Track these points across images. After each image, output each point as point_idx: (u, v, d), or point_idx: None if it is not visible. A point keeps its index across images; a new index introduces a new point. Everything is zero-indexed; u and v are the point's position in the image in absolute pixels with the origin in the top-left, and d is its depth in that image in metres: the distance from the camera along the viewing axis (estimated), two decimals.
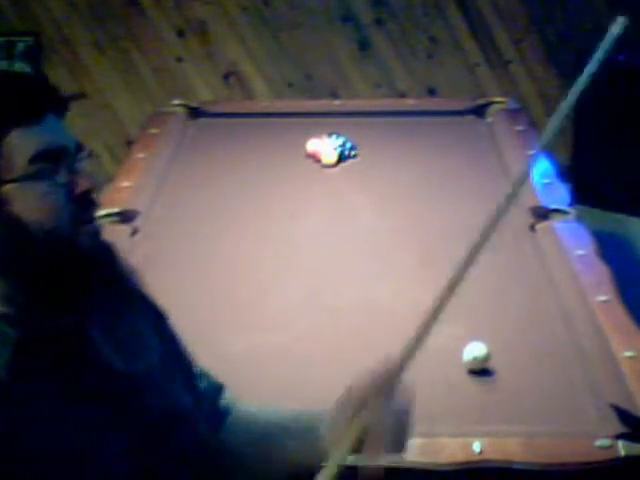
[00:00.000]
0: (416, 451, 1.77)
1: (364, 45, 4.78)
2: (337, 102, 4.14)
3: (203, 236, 2.68)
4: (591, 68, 1.27)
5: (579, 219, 2.72)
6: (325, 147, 3.21)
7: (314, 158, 3.22)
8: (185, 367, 1.37)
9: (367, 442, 1.21)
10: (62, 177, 1.16)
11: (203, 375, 1.42)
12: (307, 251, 2.64)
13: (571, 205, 2.79)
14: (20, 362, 1.11)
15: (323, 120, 3.49)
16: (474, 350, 2.03)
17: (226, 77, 4.83)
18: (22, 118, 1.15)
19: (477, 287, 2.46)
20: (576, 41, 4.67)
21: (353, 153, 3.24)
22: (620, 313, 2.20)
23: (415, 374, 1.47)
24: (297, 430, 1.35)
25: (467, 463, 1.74)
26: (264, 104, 4.36)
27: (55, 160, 1.16)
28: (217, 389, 1.43)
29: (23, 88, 1.19)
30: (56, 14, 4.74)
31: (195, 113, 3.62)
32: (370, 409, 1.23)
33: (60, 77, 4.78)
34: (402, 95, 4.73)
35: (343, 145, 3.23)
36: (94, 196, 1.19)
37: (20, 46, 4.62)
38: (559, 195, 2.87)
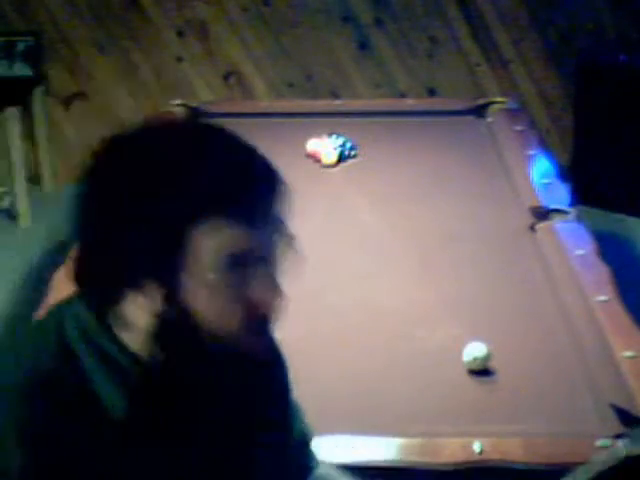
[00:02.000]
0: (416, 451, 1.77)
1: (364, 45, 4.78)
2: (337, 102, 4.14)
3: None
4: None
5: (579, 219, 2.72)
6: (325, 147, 3.22)
7: (314, 158, 3.22)
8: (276, 435, 1.30)
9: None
10: (244, 281, 1.07)
11: (292, 425, 1.36)
12: (307, 251, 2.64)
13: (571, 205, 2.79)
14: (135, 405, 1.08)
15: (323, 120, 3.49)
16: (474, 350, 2.03)
17: (226, 77, 4.83)
18: (240, 216, 1.05)
19: (477, 287, 2.46)
20: (576, 41, 4.68)
21: (353, 153, 3.25)
22: (620, 313, 2.20)
23: (415, 374, 1.47)
24: None
25: (467, 463, 1.74)
26: (264, 104, 4.37)
27: (246, 263, 1.07)
28: (303, 443, 1.38)
29: (262, 183, 1.12)
30: (56, 14, 4.74)
31: (195, 113, 3.62)
32: None
33: (60, 77, 4.79)
34: (402, 95, 4.73)
35: (343, 145, 3.23)
36: (272, 308, 1.10)
37: (20, 46, 4.62)
38: (559, 195, 2.87)
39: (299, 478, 1.35)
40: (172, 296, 1.05)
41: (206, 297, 1.05)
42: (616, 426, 1.81)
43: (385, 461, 1.75)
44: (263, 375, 1.25)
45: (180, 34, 4.78)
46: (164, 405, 1.10)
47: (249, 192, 1.08)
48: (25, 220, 4.54)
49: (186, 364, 1.10)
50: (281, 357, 1.31)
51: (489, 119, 3.55)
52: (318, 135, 3.26)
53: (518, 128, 3.42)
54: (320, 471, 1.38)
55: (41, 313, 1.22)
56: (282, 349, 1.29)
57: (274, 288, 1.10)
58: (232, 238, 1.05)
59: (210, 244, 1.04)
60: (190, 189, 1.03)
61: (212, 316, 1.06)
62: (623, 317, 2.18)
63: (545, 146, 3.67)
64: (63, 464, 1.05)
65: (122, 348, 1.09)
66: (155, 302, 1.06)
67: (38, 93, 4.70)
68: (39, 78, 4.70)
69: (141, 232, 1.04)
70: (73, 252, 1.10)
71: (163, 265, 1.04)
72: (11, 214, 4.60)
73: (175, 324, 1.06)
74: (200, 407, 1.15)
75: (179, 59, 4.80)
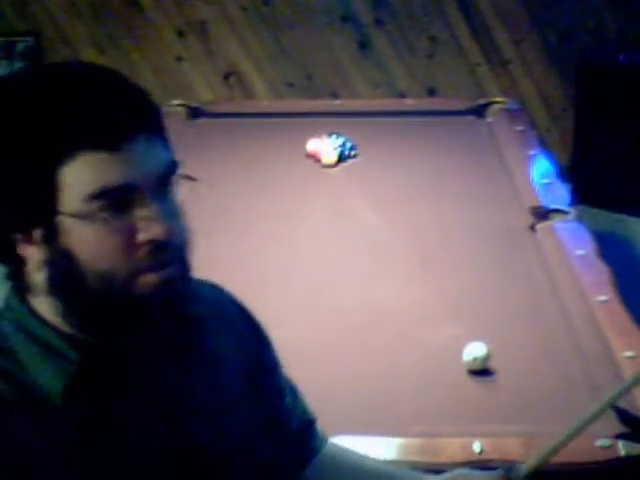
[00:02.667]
0: (416, 451, 1.77)
1: (364, 45, 4.78)
2: (337, 102, 4.14)
3: (203, 236, 2.67)
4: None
5: (579, 219, 2.72)
6: (325, 147, 3.22)
7: (314, 158, 3.22)
8: (268, 407, 1.26)
9: None
10: (124, 219, 1.01)
11: (294, 408, 1.33)
12: (307, 251, 2.64)
13: (571, 205, 2.79)
14: (77, 388, 1.05)
15: (323, 120, 3.49)
16: (474, 350, 2.03)
17: (226, 77, 4.83)
18: (97, 142, 0.99)
19: (477, 287, 2.46)
20: (576, 41, 4.68)
21: (353, 153, 3.25)
22: (620, 313, 2.20)
23: (415, 374, 1.47)
24: None
25: (467, 463, 1.74)
26: (264, 104, 4.37)
27: (122, 197, 1.00)
28: (307, 424, 1.35)
29: (108, 101, 1.00)
30: (56, 14, 4.74)
31: (195, 113, 3.62)
32: None
33: None
34: (402, 95, 4.73)
35: (343, 145, 3.23)
36: (167, 241, 1.03)
37: (20, 46, 4.63)
38: (559, 195, 2.87)
39: (304, 460, 1.32)
40: (52, 239, 1.02)
41: (86, 237, 1.01)
42: (616, 426, 1.81)
43: (385, 461, 1.75)
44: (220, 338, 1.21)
45: (180, 34, 4.78)
46: (102, 384, 1.07)
47: (98, 118, 0.99)
48: None
49: (107, 329, 1.06)
50: (227, 309, 1.25)
51: (489, 119, 3.55)
52: (318, 135, 3.26)
53: (518, 128, 3.42)
54: (328, 450, 1.36)
55: None
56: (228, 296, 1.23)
57: (162, 220, 1.02)
58: (98, 168, 0.99)
59: (74, 178, 0.99)
60: (42, 129, 0.99)
61: (98, 259, 1.02)
62: (623, 317, 2.18)
63: (545, 146, 3.67)
64: (4, 458, 1.01)
65: (55, 331, 1.06)
66: (42, 249, 1.03)
67: None
68: None
69: (7, 181, 1.01)
70: None
71: (37, 209, 1.01)
72: None
73: (62, 273, 1.03)
74: (143, 380, 1.10)
75: (179, 59, 4.80)
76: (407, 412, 1.92)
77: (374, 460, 1.40)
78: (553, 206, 2.76)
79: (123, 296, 1.03)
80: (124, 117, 1.00)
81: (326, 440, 1.37)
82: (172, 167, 1.05)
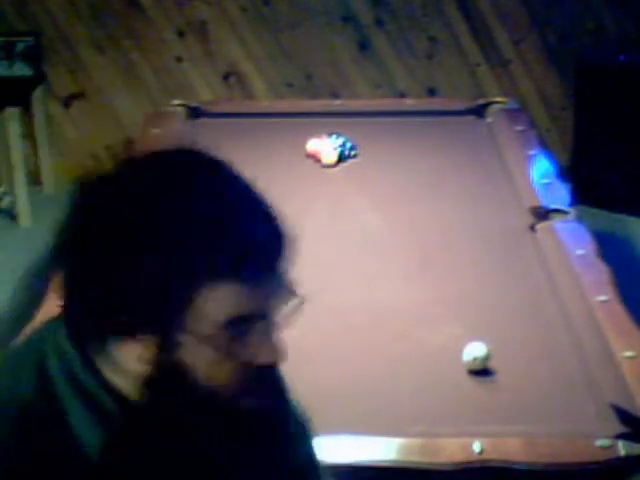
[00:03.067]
0: (416, 451, 1.77)
1: (364, 45, 4.78)
2: (337, 102, 4.14)
3: None
4: None
5: (579, 219, 2.72)
6: (325, 147, 3.22)
7: (314, 158, 3.22)
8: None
9: None
10: (245, 341, 1.03)
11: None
12: (307, 251, 2.64)
13: (571, 205, 2.79)
14: (112, 441, 1.05)
15: (323, 120, 3.49)
16: (474, 350, 2.03)
17: (226, 77, 4.83)
18: (241, 272, 1.00)
19: (477, 287, 2.46)
20: (576, 41, 4.68)
21: (353, 153, 3.25)
22: (620, 313, 2.20)
23: (415, 374, 1.47)
24: None
25: (467, 463, 1.74)
26: (264, 104, 4.36)
27: (246, 324, 1.02)
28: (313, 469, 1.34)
29: (269, 245, 1.06)
30: (56, 14, 4.74)
31: (195, 113, 3.63)
32: None
33: (60, 77, 4.79)
34: (402, 95, 4.73)
35: (343, 145, 3.23)
36: (273, 369, 1.07)
37: (20, 46, 4.62)
38: (559, 195, 2.87)
39: None
40: (167, 349, 1.01)
41: (204, 355, 1.02)
42: (616, 426, 1.81)
43: (385, 461, 1.75)
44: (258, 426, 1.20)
45: (180, 34, 4.78)
46: (144, 448, 1.07)
47: (262, 252, 1.05)
48: (25, 220, 4.54)
49: (173, 412, 1.06)
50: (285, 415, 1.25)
51: (489, 119, 3.55)
52: (318, 135, 3.26)
53: (518, 128, 3.42)
54: None
55: (23, 338, 1.16)
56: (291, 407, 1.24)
57: (274, 348, 1.07)
58: (239, 298, 1.01)
59: (215, 303, 1.00)
60: (205, 244, 1.00)
61: (207, 373, 1.03)
62: (623, 317, 2.18)
63: (545, 146, 3.67)
64: None
65: (106, 387, 1.06)
66: (148, 351, 1.02)
67: (38, 93, 4.69)
68: (39, 78, 4.69)
69: (144, 277, 0.99)
70: (61, 276, 1.07)
71: (161, 316, 1.00)
72: (11, 214, 4.60)
73: (167, 375, 1.02)
74: (182, 455, 1.10)
75: (179, 59, 4.80)
76: (407, 412, 1.92)
77: None
78: (553, 206, 2.76)
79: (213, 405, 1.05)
80: (272, 260, 1.08)
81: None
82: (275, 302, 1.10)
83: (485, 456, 1.74)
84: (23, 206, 4.54)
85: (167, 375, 1.03)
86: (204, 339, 1.01)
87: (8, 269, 3.95)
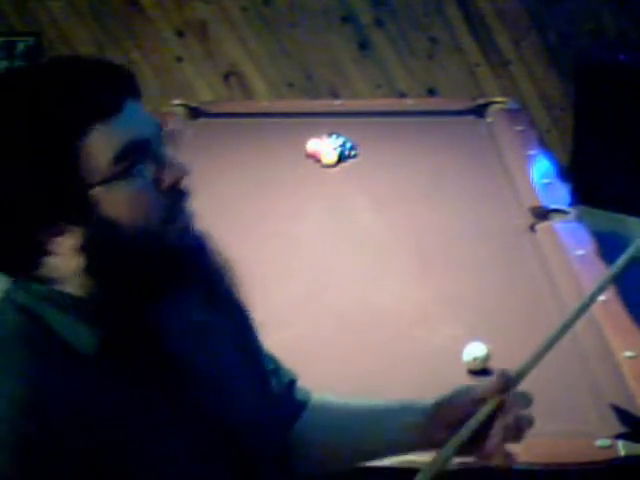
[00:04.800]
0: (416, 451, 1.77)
1: (364, 45, 4.78)
2: (337, 102, 4.14)
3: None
4: (608, 276, 1.31)
5: (579, 219, 2.72)
6: (325, 147, 3.21)
7: (314, 158, 3.22)
8: (260, 369, 1.33)
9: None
10: (149, 171, 1.08)
11: (277, 369, 1.39)
12: (307, 251, 2.64)
13: (571, 205, 2.79)
14: (108, 344, 1.09)
15: (323, 120, 3.49)
16: (474, 350, 2.03)
17: (226, 77, 4.83)
18: (101, 112, 1.06)
19: (477, 287, 2.46)
20: (576, 41, 4.68)
21: (353, 153, 3.24)
22: (620, 313, 2.20)
23: (415, 374, 1.47)
24: (392, 411, 1.34)
25: (467, 463, 1.74)
26: (264, 104, 4.36)
27: (140, 153, 1.08)
28: (291, 382, 1.40)
29: (98, 77, 1.08)
30: (56, 14, 4.74)
31: (195, 113, 3.62)
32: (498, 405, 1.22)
33: None
34: (402, 95, 4.73)
35: (343, 145, 3.23)
36: (183, 185, 1.11)
37: (20, 46, 4.63)
38: (559, 195, 2.87)
39: (293, 417, 1.36)
40: (88, 217, 1.06)
41: (121, 200, 1.06)
42: (616, 426, 1.81)
43: (385, 461, 1.75)
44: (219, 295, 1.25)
45: (180, 34, 4.78)
46: (134, 337, 1.10)
47: (101, 88, 1.07)
48: None
49: (137, 285, 1.10)
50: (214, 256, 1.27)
51: (489, 119, 3.55)
52: (318, 135, 3.26)
53: (518, 128, 3.42)
54: (314, 402, 1.39)
55: None
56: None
57: (173, 162, 1.11)
58: (110, 133, 1.06)
59: (93, 150, 1.05)
60: (52, 116, 1.04)
61: (133, 216, 1.07)
62: (623, 317, 2.18)
63: (545, 146, 3.67)
64: (45, 406, 1.04)
65: (70, 295, 1.10)
66: (76, 234, 1.06)
67: None
68: None
69: (30, 169, 1.04)
70: None
71: (67, 193, 1.05)
72: None
73: (105, 244, 1.07)
74: (170, 354, 1.14)
75: (179, 59, 4.80)
76: None
77: (358, 399, 1.42)
78: (553, 206, 2.75)
79: (161, 248, 1.09)
80: (116, 85, 1.09)
81: (310, 394, 1.41)
82: (160, 126, 1.14)
83: None
84: None
85: (107, 241, 1.07)
86: (110, 180, 1.06)
87: None
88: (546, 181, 2.98)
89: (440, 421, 1.25)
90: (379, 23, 4.74)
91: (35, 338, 1.08)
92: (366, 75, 4.82)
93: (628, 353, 2.02)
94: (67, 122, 1.04)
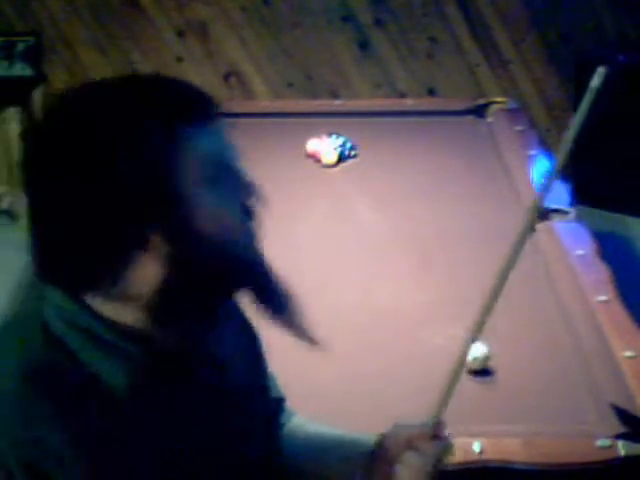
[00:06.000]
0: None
1: (364, 45, 4.78)
2: (337, 102, 4.14)
3: None
4: (576, 121, 1.27)
5: (579, 219, 2.72)
6: (325, 147, 3.21)
7: (314, 158, 3.22)
8: (264, 384, 1.34)
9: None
10: (237, 179, 1.09)
11: (272, 387, 1.40)
12: (307, 251, 2.64)
13: (571, 205, 2.79)
14: (138, 380, 1.07)
15: (323, 120, 3.49)
16: (474, 350, 2.03)
17: (226, 77, 4.83)
18: (193, 118, 1.07)
19: (477, 287, 2.46)
20: (576, 41, 4.68)
21: (353, 153, 3.24)
22: (620, 313, 2.20)
23: (415, 374, 1.47)
24: (350, 451, 1.34)
25: (467, 463, 1.74)
26: (264, 104, 4.36)
27: (228, 169, 1.09)
28: (280, 400, 1.41)
29: (191, 86, 1.11)
30: (56, 14, 4.74)
31: None
32: (421, 452, 1.22)
33: (60, 77, 4.79)
34: (402, 95, 4.73)
35: (343, 145, 3.23)
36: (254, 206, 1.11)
37: (20, 46, 4.62)
38: (559, 195, 2.87)
39: (275, 434, 1.36)
40: (181, 232, 1.03)
41: (209, 216, 1.05)
42: (616, 426, 1.81)
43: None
44: (249, 335, 1.28)
45: (180, 34, 4.78)
46: (166, 376, 1.09)
47: (190, 109, 1.08)
48: (25, 220, 4.53)
49: (186, 333, 1.09)
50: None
51: (489, 119, 3.55)
52: (318, 135, 3.26)
53: (518, 128, 3.42)
54: (293, 424, 1.40)
55: (9, 316, 1.16)
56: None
57: (254, 189, 1.13)
58: (204, 138, 1.08)
59: (190, 155, 1.04)
60: (141, 142, 1.02)
61: (221, 231, 1.07)
62: (623, 317, 2.18)
63: (545, 146, 3.66)
64: (79, 447, 1.03)
65: (112, 326, 1.07)
66: (163, 250, 1.03)
67: (38, 93, 4.69)
68: (39, 78, 4.69)
69: (117, 193, 1.01)
70: (33, 241, 1.11)
71: (157, 214, 1.02)
72: (11, 214, 4.60)
73: (197, 259, 1.05)
74: (202, 375, 1.15)
75: (179, 59, 4.80)
76: (406, 412, 1.92)
77: (316, 427, 1.42)
78: (553, 206, 2.75)
79: (244, 262, 1.11)
80: (206, 95, 1.12)
81: (292, 415, 1.41)
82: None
83: (485, 456, 1.74)
84: (23, 206, 4.53)
85: (199, 258, 1.05)
86: (199, 202, 1.04)
87: (8, 269, 3.94)
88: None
89: (379, 460, 1.27)
90: (379, 23, 4.74)
91: (61, 379, 1.05)
92: (366, 75, 4.82)
93: (628, 353, 2.02)
94: (160, 127, 1.03)
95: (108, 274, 1.04)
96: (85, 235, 1.03)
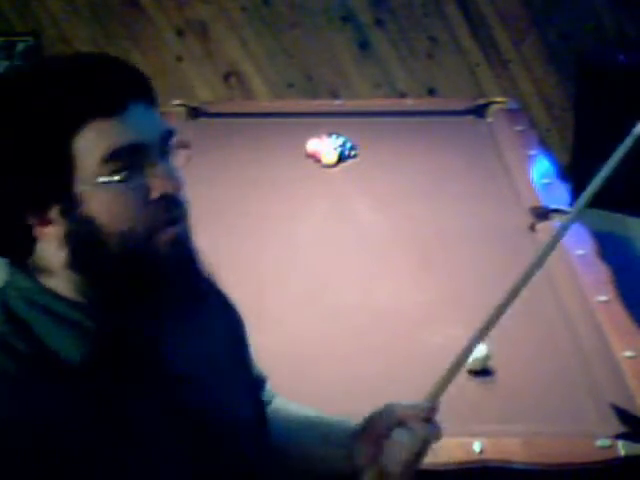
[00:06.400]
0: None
1: (364, 45, 4.78)
2: (337, 102, 4.14)
3: (202, 236, 2.67)
4: (610, 167, 1.29)
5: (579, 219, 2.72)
6: (325, 147, 3.22)
7: (314, 158, 3.22)
8: (249, 373, 1.35)
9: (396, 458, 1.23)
10: (138, 179, 1.07)
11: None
12: (307, 251, 2.64)
13: (571, 205, 2.79)
14: (94, 356, 1.09)
15: (323, 120, 3.49)
16: (474, 350, 2.03)
17: (226, 77, 4.83)
18: (101, 109, 1.05)
19: (477, 287, 2.46)
20: (576, 41, 4.68)
21: (353, 153, 3.25)
22: (620, 313, 2.20)
23: (415, 374, 1.47)
24: (334, 430, 1.35)
25: (467, 463, 1.74)
26: (264, 104, 4.36)
27: (133, 158, 1.06)
28: (262, 381, 1.42)
29: (104, 74, 1.07)
30: (56, 14, 4.74)
31: (195, 113, 3.62)
32: (412, 431, 1.25)
33: None
34: (402, 95, 4.73)
35: (343, 145, 3.23)
36: (177, 197, 1.10)
37: (20, 46, 4.62)
38: (559, 195, 2.87)
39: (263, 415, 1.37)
40: (72, 211, 1.06)
41: (106, 201, 1.06)
42: (616, 426, 1.81)
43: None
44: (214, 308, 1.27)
45: (180, 34, 4.78)
46: (120, 348, 1.10)
47: (100, 87, 1.07)
48: None
49: (124, 297, 1.10)
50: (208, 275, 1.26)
51: (489, 119, 3.55)
52: (318, 135, 3.26)
53: (518, 128, 3.42)
54: (275, 405, 1.40)
55: None
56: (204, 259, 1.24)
57: (168, 174, 1.09)
58: (106, 132, 1.05)
59: (86, 146, 1.05)
60: (49, 107, 1.05)
61: (119, 221, 1.07)
62: (623, 317, 2.18)
63: (545, 146, 3.66)
64: (32, 418, 1.04)
65: (61, 299, 1.10)
66: (61, 226, 1.07)
67: None
68: None
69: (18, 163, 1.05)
70: None
71: (56, 185, 1.05)
72: None
73: (86, 242, 1.07)
74: (158, 344, 1.15)
75: (179, 59, 4.80)
76: None
77: (300, 409, 1.43)
78: (553, 206, 2.75)
79: (143, 256, 1.08)
80: (123, 85, 1.08)
81: (274, 397, 1.43)
82: (170, 133, 1.12)
83: (485, 456, 1.74)
84: None
85: (87, 242, 1.07)
86: (98, 186, 1.06)
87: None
88: (546, 181, 2.98)
89: (366, 438, 1.28)
90: (379, 23, 4.74)
91: (18, 353, 1.07)
92: (366, 75, 4.82)
93: (628, 353, 2.02)
94: (65, 113, 1.04)
95: (18, 243, 1.09)
96: None
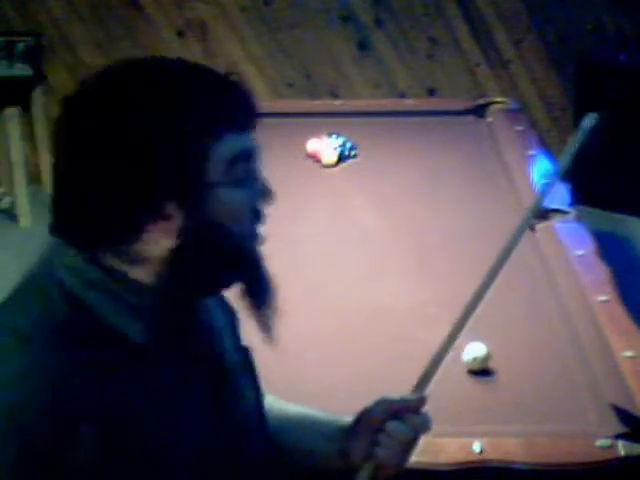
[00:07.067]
0: (416, 451, 1.77)
1: (364, 45, 4.78)
2: (337, 102, 4.14)
3: None
4: (564, 161, 1.34)
5: (579, 219, 2.72)
6: (325, 147, 3.22)
7: (314, 158, 3.22)
8: (253, 365, 1.40)
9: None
10: (255, 185, 1.20)
11: None
12: (306, 251, 2.64)
13: (571, 205, 2.79)
14: (161, 340, 1.14)
15: (323, 120, 3.49)
16: (474, 350, 2.03)
17: None
18: (240, 124, 1.21)
19: (477, 287, 2.46)
20: (576, 41, 4.68)
21: (353, 153, 3.25)
22: (620, 313, 2.20)
23: (415, 374, 1.47)
24: (328, 425, 1.38)
25: (467, 463, 1.74)
26: (264, 104, 4.36)
27: (250, 166, 1.21)
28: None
29: (247, 95, 1.24)
30: (56, 14, 4.74)
31: None
32: (404, 422, 1.32)
33: (60, 77, 4.79)
34: (402, 95, 4.73)
35: (343, 145, 3.23)
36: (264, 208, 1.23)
37: (20, 46, 4.62)
38: (559, 195, 2.87)
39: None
40: (193, 209, 1.12)
41: (226, 201, 1.15)
42: (616, 426, 1.81)
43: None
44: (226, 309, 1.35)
45: (180, 34, 4.78)
46: (177, 327, 1.17)
47: (244, 105, 1.23)
48: (25, 220, 4.54)
49: (194, 290, 1.18)
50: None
51: (489, 119, 3.55)
52: (318, 135, 3.26)
53: (518, 128, 3.42)
54: (267, 401, 1.42)
55: (25, 278, 1.21)
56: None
57: (269, 188, 1.24)
58: (236, 144, 1.18)
59: (219, 153, 1.14)
60: (201, 116, 1.14)
61: (234, 219, 1.16)
62: (623, 317, 2.18)
63: (545, 146, 3.66)
64: (94, 394, 1.08)
65: (126, 282, 1.13)
66: (174, 222, 1.12)
67: (38, 93, 4.69)
68: (39, 78, 4.69)
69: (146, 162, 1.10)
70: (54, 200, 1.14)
71: (184, 183, 1.11)
72: (11, 214, 4.60)
73: (200, 238, 1.13)
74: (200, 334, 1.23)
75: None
76: None
77: (291, 406, 1.47)
78: (553, 206, 2.75)
79: (244, 255, 1.21)
80: (252, 105, 1.25)
81: (266, 394, 1.45)
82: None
83: (485, 456, 1.74)
84: (23, 206, 4.54)
85: (203, 238, 1.14)
86: (225, 181, 1.16)
87: (8, 269, 3.94)
88: (546, 181, 2.98)
89: (360, 432, 1.33)
90: (379, 23, 4.74)
91: (81, 332, 1.11)
92: (366, 75, 4.82)
93: (628, 353, 2.02)
94: (216, 122, 1.15)
95: (126, 234, 1.12)
96: (108, 196, 1.10)
